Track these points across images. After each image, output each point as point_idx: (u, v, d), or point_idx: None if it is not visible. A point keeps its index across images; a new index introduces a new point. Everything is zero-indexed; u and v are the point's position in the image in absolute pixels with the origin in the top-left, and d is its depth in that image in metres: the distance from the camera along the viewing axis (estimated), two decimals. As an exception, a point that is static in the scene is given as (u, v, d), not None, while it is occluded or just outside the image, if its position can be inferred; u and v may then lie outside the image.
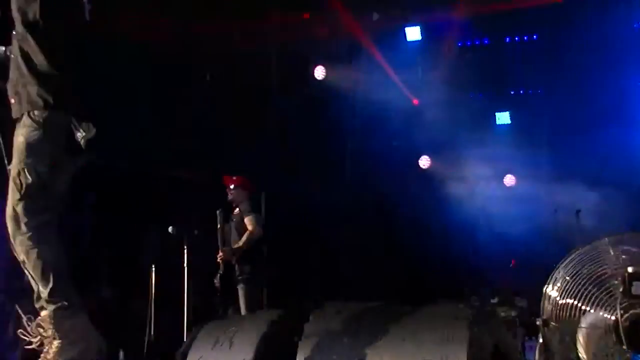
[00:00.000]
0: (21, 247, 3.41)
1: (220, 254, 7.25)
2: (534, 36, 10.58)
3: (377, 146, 10.33)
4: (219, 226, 7.22)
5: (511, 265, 9.49)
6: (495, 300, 8.30)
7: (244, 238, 7.28)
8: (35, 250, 3.39)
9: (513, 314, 7.78)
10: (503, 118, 10.84)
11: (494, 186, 10.69)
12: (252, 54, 9.88)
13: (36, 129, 3.46)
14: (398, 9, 10.31)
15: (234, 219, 7.54)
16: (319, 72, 10.27)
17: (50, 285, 3.37)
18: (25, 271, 3.43)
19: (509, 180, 10.66)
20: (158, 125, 8.82)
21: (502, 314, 7.52)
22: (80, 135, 3.42)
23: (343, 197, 10.28)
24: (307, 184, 9.92)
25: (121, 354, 7.38)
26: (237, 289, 7.28)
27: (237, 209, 7.55)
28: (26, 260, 3.40)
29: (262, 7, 9.72)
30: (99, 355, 3.50)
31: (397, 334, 3.28)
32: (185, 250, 7.07)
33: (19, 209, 3.41)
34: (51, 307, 3.37)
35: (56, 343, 3.35)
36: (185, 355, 4.60)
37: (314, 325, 3.73)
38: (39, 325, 3.39)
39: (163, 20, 8.95)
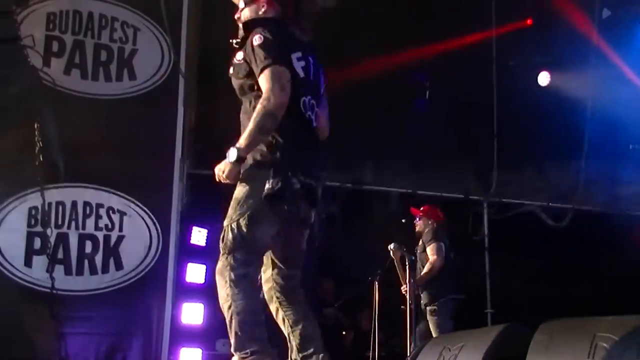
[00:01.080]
0: (219, 292, 3.59)
1: (404, 286, 7.20)
2: None
3: (614, 151, 9.73)
4: (395, 260, 7.21)
5: None
6: None
7: (426, 269, 7.41)
8: (226, 298, 3.54)
9: None
10: None
11: None
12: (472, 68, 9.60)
13: (247, 184, 3.59)
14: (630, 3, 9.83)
15: (418, 250, 7.65)
16: (543, 79, 9.87)
17: (233, 341, 3.51)
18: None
19: None
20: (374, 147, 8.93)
21: None
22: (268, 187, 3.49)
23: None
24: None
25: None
26: (429, 321, 7.39)
27: (422, 238, 7.68)
28: (222, 306, 3.57)
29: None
30: None
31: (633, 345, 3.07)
32: (407, 268, 7.07)
33: (220, 263, 3.59)
34: (236, 356, 3.52)
35: None
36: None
37: (540, 340, 3.54)
38: None
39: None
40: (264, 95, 3.54)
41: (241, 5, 3.96)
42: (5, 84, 6.75)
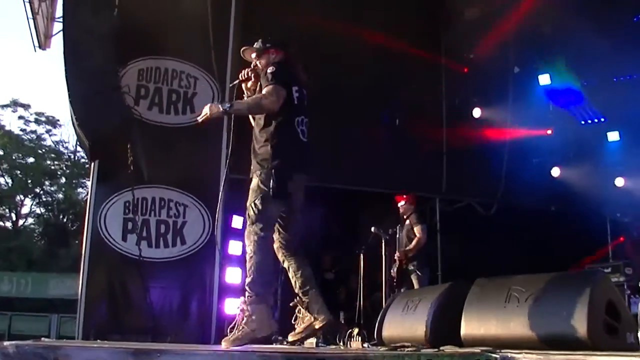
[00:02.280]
0: (247, 248, 3.67)
1: (397, 254, 7.15)
2: None
3: (525, 162, 9.85)
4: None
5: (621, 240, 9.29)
6: (609, 270, 7.86)
7: (414, 243, 7.10)
8: (251, 255, 3.62)
9: (622, 279, 7.69)
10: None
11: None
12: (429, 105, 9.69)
13: (258, 178, 3.72)
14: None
15: (405, 227, 7.34)
16: (477, 112, 9.93)
17: (249, 280, 3.60)
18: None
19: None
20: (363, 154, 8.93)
21: (614, 279, 7.47)
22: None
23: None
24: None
25: (341, 315, 7.59)
26: (411, 277, 7.15)
27: (408, 220, 7.34)
28: (246, 257, 3.66)
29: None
30: (268, 334, 3.63)
31: (537, 295, 3.22)
32: (383, 244, 7.06)
33: (247, 230, 3.69)
34: (246, 294, 3.59)
35: (246, 319, 3.54)
36: (384, 315, 4.73)
37: (474, 292, 3.65)
38: (242, 305, 3.60)
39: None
40: (263, 93, 3.69)
41: (254, 58, 4.02)
42: (112, 118, 6.97)
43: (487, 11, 9.27)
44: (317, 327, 3.75)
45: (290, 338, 3.89)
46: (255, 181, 3.74)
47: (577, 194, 9.53)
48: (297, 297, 3.88)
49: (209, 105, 3.74)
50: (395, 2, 8.78)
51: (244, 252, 3.92)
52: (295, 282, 3.85)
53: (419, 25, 8.91)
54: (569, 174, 9.93)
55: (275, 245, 3.86)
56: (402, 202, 7.47)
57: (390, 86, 8.98)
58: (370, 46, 8.68)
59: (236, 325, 3.58)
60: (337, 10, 8.40)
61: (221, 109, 3.65)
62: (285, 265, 3.87)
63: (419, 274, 7.10)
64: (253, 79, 4.00)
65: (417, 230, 7.17)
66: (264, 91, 3.71)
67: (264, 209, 3.66)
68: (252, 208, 3.68)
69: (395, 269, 7.12)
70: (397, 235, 7.39)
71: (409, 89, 9.00)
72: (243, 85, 4.07)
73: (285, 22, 7.74)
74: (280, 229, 3.87)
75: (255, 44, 4.08)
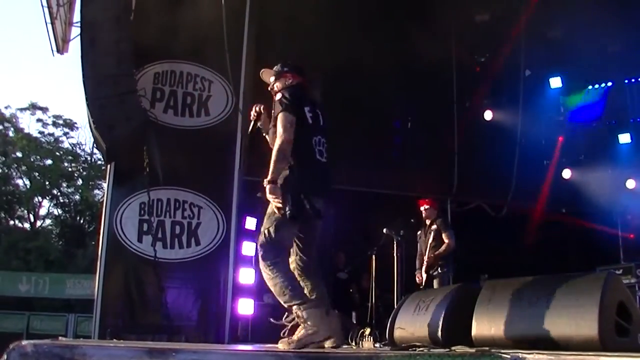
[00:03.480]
0: (264, 275, 3.66)
1: (426, 259, 7.09)
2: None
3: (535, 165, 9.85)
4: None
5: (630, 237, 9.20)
6: (620, 271, 7.78)
7: (443, 248, 7.06)
8: (270, 279, 3.62)
9: (633, 280, 7.68)
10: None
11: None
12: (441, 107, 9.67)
13: (271, 205, 3.66)
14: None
15: (431, 232, 7.26)
16: (488, 115, 9.94)
17: (286, 298, 3.60)
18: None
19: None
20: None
21: (625, 281, 7.41)
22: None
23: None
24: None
25: (353, 314, 7.60)
26: (434, 282, 7.10)
27: (434, 225, 7.27)
28: (268, 284, 3.64)
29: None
30: (327, 337, 3.60)
31: (548, 296, 3.20)
32: (395, 245, 6.96)
33: (260, 260, 3.66)
34: (294, 309, 3.59)
35: (303, 324, 3.57)
36: (395, 316, 4.69)
37: (485, 293, 3.64)
38: (296, 312, 3.60)
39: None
40: (277, 137, 3.65)
41: (272, 80, 4.07)
42: (128, 121, 7.00)
43: (497, 15, 9.25)
44: (325, 345, 3.69)
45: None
46: (271, 207, 3.70)
47: (588, 196, 9.46)
48: None
49: (267, 196, 3.63)
50: (407, 7, 8.77)
51: (256, 253, 3.87)
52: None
53: (430, 29, 8.87)
54: (580, 176, 9.85)
55: (292, 266, 3.81)
56: (426, 206, 7.44)
57: (402, 90, 8.98)
58: (383, 51, 8.67)
59: (291, 330, 3.62)
60: (350, 16, 8.42)
61: (268, 186, 3.59)
62: (304, 287, 3.80)
63: (442, 279, 7.06)
64: (264, 111, 4.05)
65: (445, 236, 7.13)
66: (278, 127, 3.70)
67: (278, 237, 3.64)
68: (265, 235, 3.66)
69: (424, 272, 7.10)
70: (420, 239, 7.39)
71: (421, 92, 8.99)
72: (258, 123, 4.10)
73: (299, 27, 7.76)
74: (298, 251, 3.84)
75: (275, 67, 4.12)
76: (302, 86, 4.05)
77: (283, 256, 3.71)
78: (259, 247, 3.69)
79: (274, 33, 7.97)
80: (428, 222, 7.39)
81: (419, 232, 7.48)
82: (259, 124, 4.10)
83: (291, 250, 3.82)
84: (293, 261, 3.83)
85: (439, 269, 7.08)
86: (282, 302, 3.64)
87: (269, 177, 3.60)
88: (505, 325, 3.34)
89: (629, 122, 9.96)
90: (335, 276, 9.18)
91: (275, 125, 3.76)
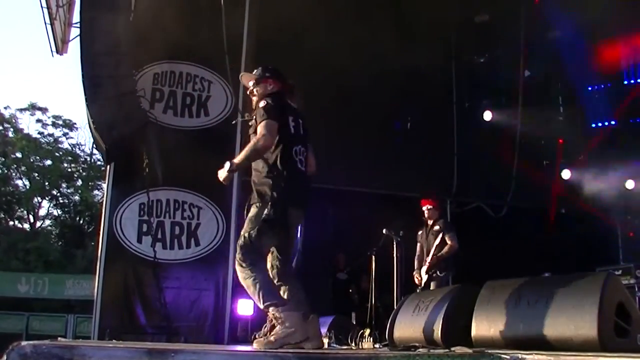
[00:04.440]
0: (240, 276, 3.67)
1: (429, 260, 7.03)
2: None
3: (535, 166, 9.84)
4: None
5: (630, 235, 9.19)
6: (620, 272, 7.75)
7: (446, 249, 6.99)
8: (246, 279, 3.62)
9: (632, 281, 7.58)
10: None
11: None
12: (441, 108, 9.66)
13: (257, 209, 3.70)
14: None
15: (433, 232, 7.21)
16: (488, 115, 9.88)
17: (264, 300, 3.57)
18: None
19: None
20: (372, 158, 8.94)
21: (625, 281, 7.32)
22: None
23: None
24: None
25: (353, 315, 7.59)
26: (431, 285, 7.05)
27: (437, 225, 7.21)
28: (244, 284, 3.66)
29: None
30: (303, 339, 3.59)
31: (547, 297, 3.21)
32: (394, 245, 6.95)
33: (237, 261, 3.67)
34: (270, 310, 3.59)
35: (280, 325, 3.56)
36: (395, 316, 4.75)
37: (485, 294, 3.66)
38: (272, 314, 3.60)
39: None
40: (257, 136, 3.66)
41: (251, 85, 4.06)
42: (128, 121, 7.01)
43: (497, 15, 9.26)
44: (304, 347, 3.67)
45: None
46: (253, 211, 3.74)
47: (587, 196, 9.47)
48: None
49: (219, 172, 3.75)
50: (406, 7, 8.78)
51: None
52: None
53: (429, 30, 8.88)
54: (579, 176, 9.86)
55: (270, 272, 3.81)
56: (429, 207, 7.38)
57: (401, 90, 8.98)
58: (383, 51, 8.66)
59: (268, 330, 3.63)
60: (350, 16, 8.43)
61: (228, 168, 3.69)
62: (281, 290, 3.80)
63: (442, 280, 7.02)
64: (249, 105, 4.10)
65: (448, 237, 7.07)
66: (258, 130, 3.70)
67: (257, 240, 3.66)
68: (246, 238, 3.68)
69: (424, 273, 7.05)
70: (421, 239, 7.35)
71: (421, 93, 9.00)
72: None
73: (299, 27, 7.76)
74: (276, 255, 3.85)
75: (255, 71, 4.11)
76: (284, 93, 4.04)
77: (260, 259, 3.72)
78: (238, 248, 3.69)
79: (274, 33, 7.96)
80: (430, 222, 7.34)
81: (419, 232, 7.43)
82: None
83: (269, 254, 3.83)
84: (271, 266, 3.82)
85: (439, 271, 7.04)
86: (257, 304, 3.64)
87: (235, 161, 3.69)
88: (504, 325, 3.35)
89: (628, 123, 9.96)
90: (335, 277, 9.23)
91: (255, 132, 3.76)
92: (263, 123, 3.69)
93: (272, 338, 3.54)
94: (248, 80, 4.11)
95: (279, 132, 3.76)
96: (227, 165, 3.68)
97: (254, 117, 3.84)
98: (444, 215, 7.52)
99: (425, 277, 7.05)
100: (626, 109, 9.85)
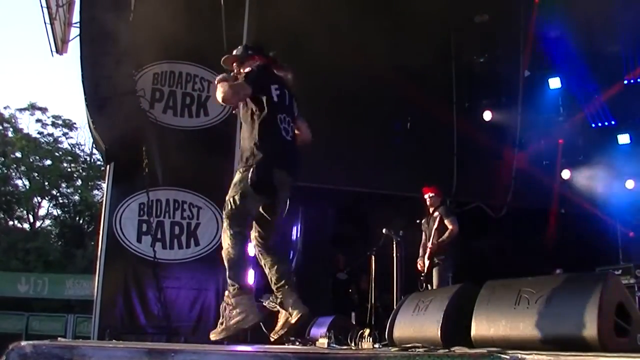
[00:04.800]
0: (223, 242, 3.66)
1: (430, 246, 7.06)
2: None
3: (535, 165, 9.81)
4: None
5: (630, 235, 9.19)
6: (620, 272, 7.74)
7: (447, 234, 7.02)
8: (227, 248, 3.62)
9: (632, 281, 7.54)
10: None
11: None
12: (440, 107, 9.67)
13: (241, 173, 3.67)
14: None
15: (434, 219, 7.20)
16: (488, 115, 9.87)
17: (230, 273, 3.60)
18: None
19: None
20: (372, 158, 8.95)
21: (625, 281, 7.30)
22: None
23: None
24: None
25: (353, 315, 7.58)
26: (433, 271, 7.07)
27: (437, 212, 7.24)
28: (223, 252, 3.64)
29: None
30: (254, 323, 3.59)
31: (547, 297, 3.17)
32: (394, 245, 6.92)
33: (224, 225, 3.68)
34: (229, 287, 3.61)
35: (230, 311, 3.56)
36: (395, 316, 4.75)
37: (485, 294, 3.60)
38: (226, 298, 3.62)
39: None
40: (227, 87, 3.62)
41: (236, 66, 3.95)
42: (127, 121, 7.00)
43: (497, 15, 9.25)
44: (292, 322, 3.68)
45: (271, 337, 3.82)
46: (237, 176, 3.71)
47: (587, 196, 9.46)
48: (273, 295, 3.82)
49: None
50: (406, 7, 8.77)
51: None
52: (270, 278, 3.79)
53: (429, 30, 8.88)
54: (579, 177, 9.86)
55: (252, 243, 3.83)
56: (431, 194, 7.44)
57: (401, 90, 8.96)
58: (382, 51, 8.66)
59: (221, 318, 3.61)
60: (349, 17, 8.42)
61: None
62: (262, 263, 3.83)
63: (442, 268, 7.04)
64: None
65: (448, 222, 7.11)
66: (233, 85, 3.71)
67: (242, 205, 3.61)
68: (230, 203, 3.64)
69: (426, 259, 7.08)
70: (423, 227, 7.38)
71: (420, 93, 8.98)
72: None
73: (298, 27, 7.75)
74: (258, 227, 3.82)
75: (235, 50, 4.05)
76: (269, 65, 3.96)
77: (245, 229, 3.68)
78: (224, 216, 3.68)
79: (273, 33, 7.95)
80: (432, 210, 7.38)
81: (422, 221, 7.48)
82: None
83: (253, 224, 3.79)
84: (254, 237, 3.81)
85: (438, 258, 7.07)
86: (226, 275, 3.65)
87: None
88: (504, 325, 3.32)
89: (628, 123, 9.96)
90: (335, 277, 9.24)
91: (246, 106, 3.78)
92: (239, 82, 3.70)
93: (223, 325, 3.57)
94: (232, 62, 4.01)
95: (258, 103, 3.73)
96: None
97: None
98: (445, 203, 7.51)
99: (427, 263, 7.08)
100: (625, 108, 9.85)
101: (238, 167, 3.78)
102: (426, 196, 7.46)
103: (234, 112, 4.18)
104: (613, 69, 9.54)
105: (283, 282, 3.73)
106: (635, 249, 9.27)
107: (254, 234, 3.81)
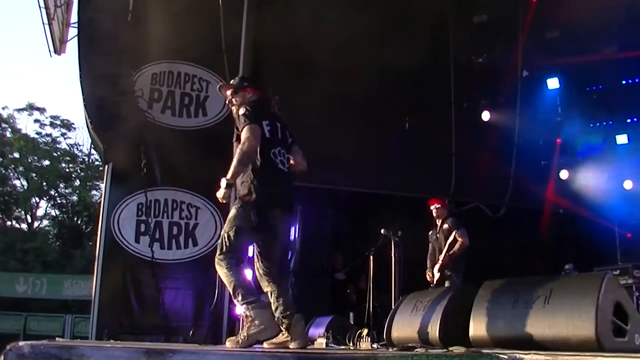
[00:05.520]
0: (220, 275, 3.79)
1: (442, 259, 7.04)
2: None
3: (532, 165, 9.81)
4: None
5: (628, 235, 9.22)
6: (617, 272, 7.72)
7: (457, 247, 6.97)
8: (225, 279, 3.76)
9: (630, 281, 7.47)
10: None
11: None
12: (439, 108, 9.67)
13: (236, 210, 3.81)
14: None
15: (442, 231, 7.22)
16: (486, 115, 9.81)
17: (240, 298, 3.72)
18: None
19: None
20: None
21: (623, 281, 7.19)
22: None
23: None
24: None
25: (351, 315, 7.58)
26: (446, 284, 7.01)
27: (445, 224, 7.23)
28: (225, 282, 3.80)
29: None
30: (272, 335, 3.73)
31: (545, 297, 3.21)
32: (393, 245, 6.85)
33: (217, 258, 3.79)
34: (245, 307, 3.74)
35: (250, 323, 3.69)
36: (393, 316, 4.80)
37: (483, 294, 3.65)
38: (245, 311, 3.76)
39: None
40: (242, 142, 3.79)
41: (229, 95, 4.22)
42: (126, 121, 6.99)
43: (496, 16, 9.26)
44: (289, 346, 3.76)
45: (264, 345, 3.87)
46: (233, 212, 3.85)
47: (585, 197, 9.47)
48: (278, 318, 3.90)
49: (217, 194, 3.79)
50: (405, 7, 8.77)
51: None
52: (277, 307, 3.87)
53: (428, 30, 8.87)
54: (577, 177, 9.86)
55: (258, 273, 3.97)
56: (437, 205, 7.42)
57: (399, 90, 8.97)
58: (381, 52, 8.66)
59: (240, 329, 3.76)
60: (348, 17, 8.41)
61: (225, 185, 3.73)
62: (268, 290, 3.93)
63: (455, 279, 7.00)
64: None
65: (458, 234, 7.07)
66: (242, 135, 3.82)
67: (236, 241, 3.77)
68: (225, 239, 3.78)
69: (436, 272, 7.07)
70: (431, 239, 7.38)
71: (418, 93, 8.99)
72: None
73: (297, 28, 7.75)
74: (262, 257, 3.96)
75: (232, 81, 4.33)
76: (261, 100, 4.20)
77: (238, 258, 3.84)
78: (217, 248, 3.81)
79: (272, 34, 7.96)
80: (439, 221, 7.36)
81: (430, 232, 7.48)
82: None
83: (255, 256, 3.98)
84: (258, 268, 3.97)
85: (451, 270, 7.04)
86: (236, 302, 3.81)
87: (228, 177, 3.74)
88: (502, 325, 3.36)
89: (626, 123, 9.97)
90: (333, 277, 9.20)
91: (238, 140, 3.89)
92: (246, 128, 3.82)
93: (242, 336, 3.69)
94: (226, 91, 4.28)
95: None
96: (223, 182, 3.74)
97: (236, 126, 3.97)
98: (452, 214, 7.47)
99: (437, 275, 7.07)
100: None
101: (235, 203, 3.88)
102: (432, 208, 7.44)
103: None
104: (611, 69, 9.54)
105: (290, 311, 3.85)
106: (633, 249, 9.27)
107: (258, 264, 3.97)
